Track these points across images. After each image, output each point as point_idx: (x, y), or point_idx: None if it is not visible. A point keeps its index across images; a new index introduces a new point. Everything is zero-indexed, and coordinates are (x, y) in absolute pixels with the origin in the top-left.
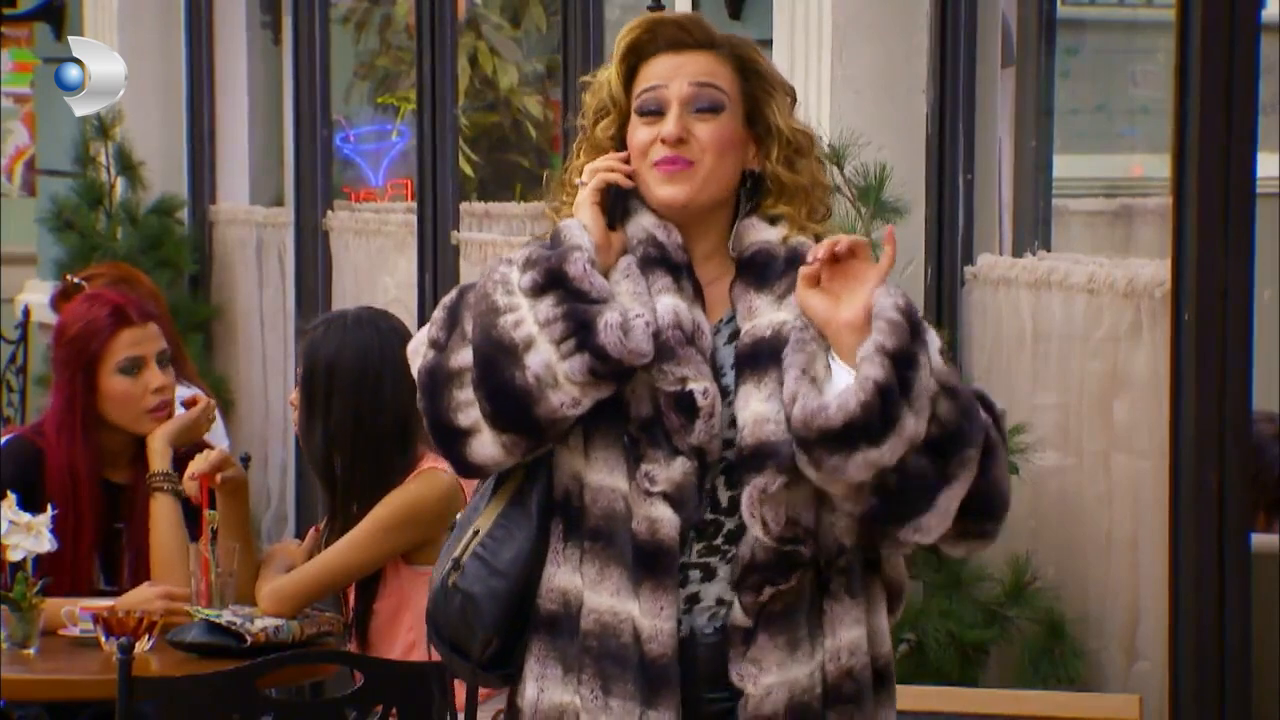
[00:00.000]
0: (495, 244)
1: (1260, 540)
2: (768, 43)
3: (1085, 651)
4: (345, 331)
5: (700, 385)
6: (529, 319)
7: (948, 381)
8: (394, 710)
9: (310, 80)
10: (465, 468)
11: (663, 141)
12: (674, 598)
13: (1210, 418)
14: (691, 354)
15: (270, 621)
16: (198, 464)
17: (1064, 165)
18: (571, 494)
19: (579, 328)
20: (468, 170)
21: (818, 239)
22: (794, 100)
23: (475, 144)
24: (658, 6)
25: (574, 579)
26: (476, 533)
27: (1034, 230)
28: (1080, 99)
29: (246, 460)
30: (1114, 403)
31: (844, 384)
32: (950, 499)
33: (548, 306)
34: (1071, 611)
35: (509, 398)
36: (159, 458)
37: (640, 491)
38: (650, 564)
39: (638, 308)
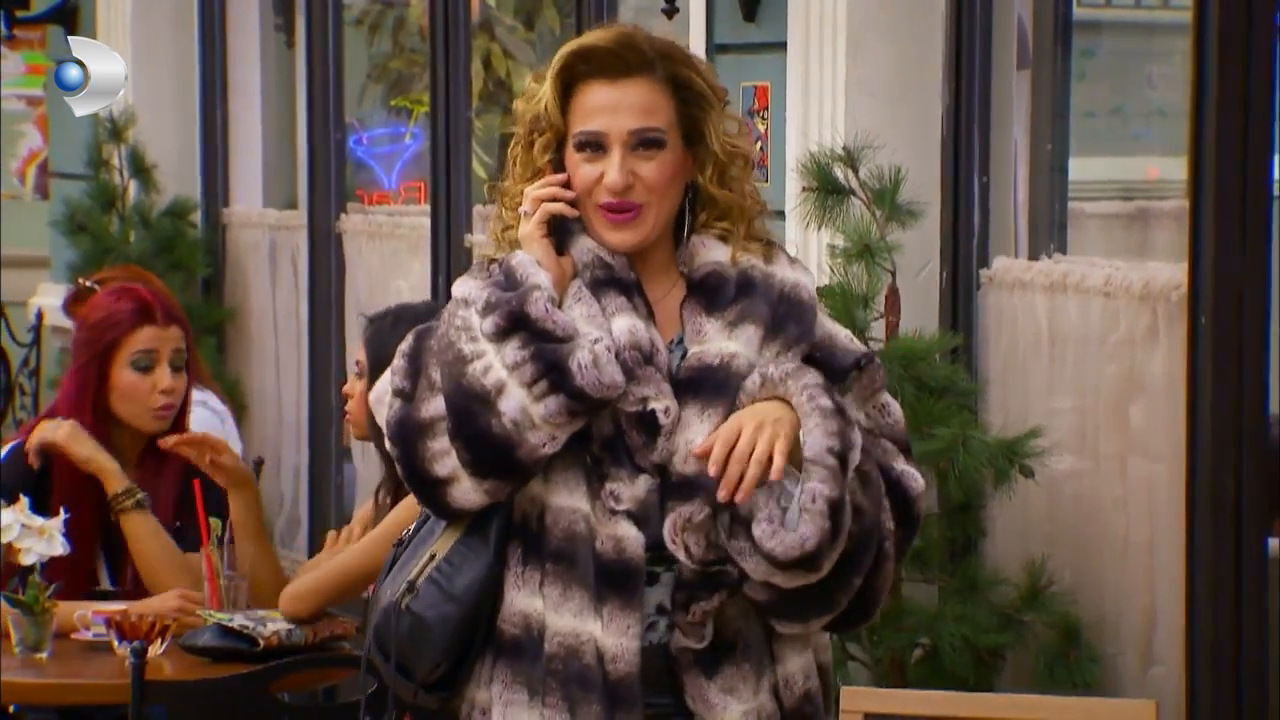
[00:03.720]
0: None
1: (1277, 544)
2: (782, 45)
3: (1101, 656)
4: (415, 324)
5: (662, 404)
6: (496, 364)
7: (859, 501)
8: (407, 714)
9: (323, 83)
10: (446, 513)
11: (606, 188)
12: (639, 616)
13: (1227, 421)
14: (650, 373)
15: (282, 625)
16: (176, 440)
17: (1080, 168)
18: (530, 517)
19: (549, 369)
20: (481, 173)
21: (766, 256)
22: (726, 101)
23: (489, 146)
24: (672, 10)
25: (534, 602)
26: (433, 556)
27: (1050, 233)
28: (1096, 101)
29: (259, 464)
30: (1130, 406)
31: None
32: (822, 619)
33: (513, 350)
34: (1087, 616)
35: (488, 446)
36: (113, 479)
37: (605, 511)
38: (617, 583)
39: (594, 331)
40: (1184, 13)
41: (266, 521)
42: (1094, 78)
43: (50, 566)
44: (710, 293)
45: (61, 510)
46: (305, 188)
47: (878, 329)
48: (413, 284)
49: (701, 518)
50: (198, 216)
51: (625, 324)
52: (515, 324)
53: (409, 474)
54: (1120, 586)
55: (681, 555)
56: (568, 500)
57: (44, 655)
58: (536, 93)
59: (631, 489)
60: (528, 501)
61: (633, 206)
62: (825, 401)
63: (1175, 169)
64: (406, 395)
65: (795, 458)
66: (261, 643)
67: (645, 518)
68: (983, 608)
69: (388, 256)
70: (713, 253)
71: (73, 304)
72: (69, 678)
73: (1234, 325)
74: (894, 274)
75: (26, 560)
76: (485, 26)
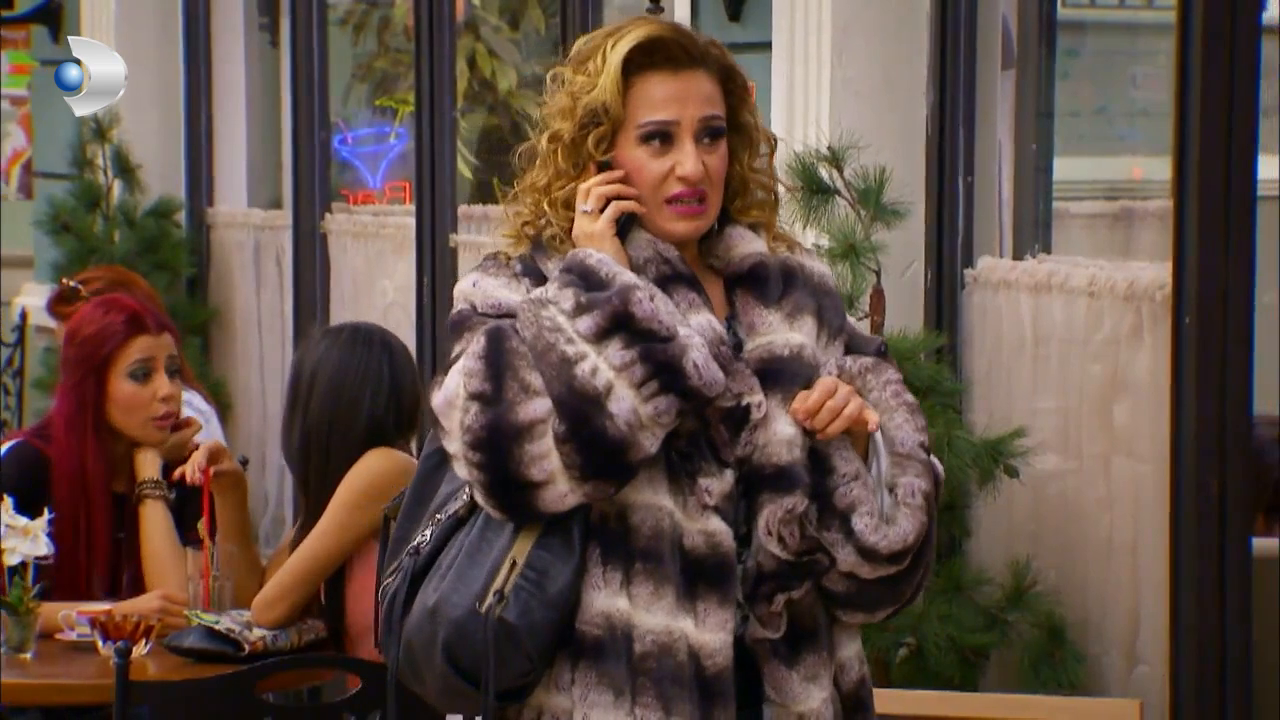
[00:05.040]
0: (493, 246)
1: (1261, 544)
2: (767, 45)
3: (1085, 656)
4: (338, 345)
5: (756, 399)
6: (602, 365)
7: (929, 491)
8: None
9: (308, 82)
10: (525, 517)
11: (681, 179)
12: (734, 611)
13: (1211, 421)
14: (740, 368)
15: (268, 630)
16: (199, 456)
17: (1064, 168)
18: (608, 516)
19: (659, 369)
20: (466, 173)
21: (790, 248)
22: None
23: (473, 146)
24: (656, 9)
25: (617, 601)
26: (514, 564)
27: (1034, 233)
28: (1081, 101)
29: (244, 463)
30: (1114, 406)
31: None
32: (888, 610)
33: (618, 350)
34: (1072, 616)
35: (604, 449)
36: (149, 466)
37: (697, 506)
38: (711, 578)
39: (682, 329)
40: (1168, 13)
41: (251, 520)
42: (1078, 78)
43: (54, 573)
44: (759, 283)
45: (46, 511)
46: (290, 187)
47: (863, 329)
48: (397, 284)
49: (804, 509)
50: (182, 216)
51: (703, 320)
52: (616, 324)
53: (495, 479)
54: (1104, 586)
55: (774, 546)
56: (652, 498)
57: (28, 655)
58: (584, 85)
59: (720, 483)
60: (605, 501)
61: (704, 196)
62: (910, 397)
63: (1159, 169)
64: (488, 398)
65: (859, 449)
66: (247, 647)
67: (728, 512)
68: (967, 607)
69: (372, 256)
70: (751, 244)
71: (57, 304)
72: (53, 678)
73: (1218, 325)
74: (879, 274)
75: (10, 561)
76: (470, 26)
